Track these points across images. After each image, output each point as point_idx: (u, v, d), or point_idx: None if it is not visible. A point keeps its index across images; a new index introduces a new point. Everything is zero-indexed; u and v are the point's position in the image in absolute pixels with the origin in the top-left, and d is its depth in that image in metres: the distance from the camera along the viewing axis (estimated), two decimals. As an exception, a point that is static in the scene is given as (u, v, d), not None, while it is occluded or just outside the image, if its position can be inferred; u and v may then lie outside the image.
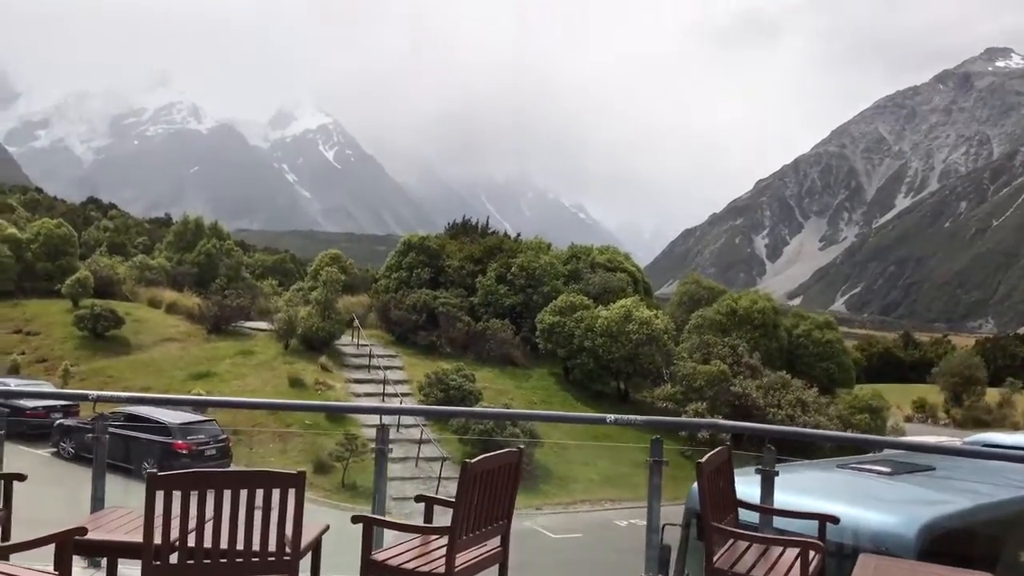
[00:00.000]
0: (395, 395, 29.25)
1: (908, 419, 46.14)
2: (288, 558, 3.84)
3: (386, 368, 31.62)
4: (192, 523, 3.63)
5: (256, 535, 3.76)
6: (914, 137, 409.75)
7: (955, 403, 48.49)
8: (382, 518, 4.51)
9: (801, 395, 30.23)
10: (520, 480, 4.76)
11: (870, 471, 8.16)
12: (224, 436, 23.38)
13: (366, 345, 33.55)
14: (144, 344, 34.18)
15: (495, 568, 4.72)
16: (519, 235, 45.06)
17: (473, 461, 4.31)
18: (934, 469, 8.49)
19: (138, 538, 3.74)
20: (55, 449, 23.32)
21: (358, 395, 29.65)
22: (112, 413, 23.01)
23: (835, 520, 5.10)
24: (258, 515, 3.77)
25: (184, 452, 21.65)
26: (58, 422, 23.80)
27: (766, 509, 5.61)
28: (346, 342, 34.06)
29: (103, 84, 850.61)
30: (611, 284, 37.67)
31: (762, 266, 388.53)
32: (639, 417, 6.64)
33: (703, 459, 4.87)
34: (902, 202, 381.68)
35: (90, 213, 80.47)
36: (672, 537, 6.75)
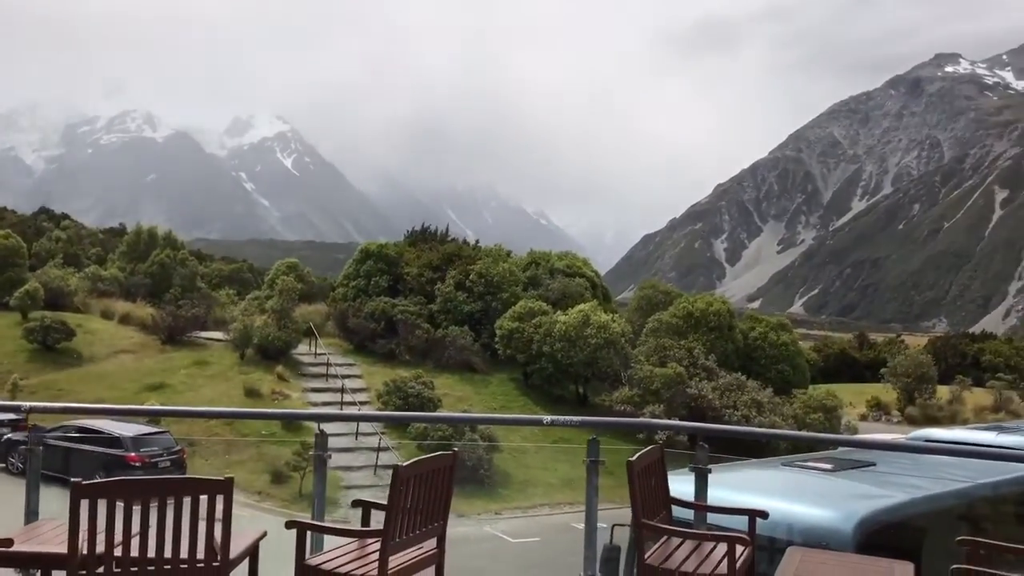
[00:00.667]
0: (353, 403, 29.11)
1: (863, 417, 46.97)
2: (217, 565, 3.88)
3: (344, 376, 31.45)
4: (118, 532, 3.65)
5: (184, 543, 3.79)
6: (868, 141, 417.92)
7: (908, 401, 49.49)
8: (315, 523, 4.56)
9: (756, 396, 30.68)
10: (453, 482, 4.86)
11: (812, 468, 8.40)
12: (178, 448, 23.10)
13: (323, 354, 33.35)
14: (97, 356, 33.60)
15: (432, 569, 4.80)
16: (478, 242, 45.15)
17: (404, 464, 4.39)
18: (874, 465, 8.75)
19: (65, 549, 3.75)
20: (3, 464, 22.85)
21: (316, 404, 29.44)
22: (62, 426, 22.71)
23: (764, 515, 5.25)
24: (186, 523, 3.80)
25: (137, 464, 21.34)
26: (6, 437, 23.32)
27: (698, 506, 5.75)
28: (303, 351, 33.82)
29: (55, 93, 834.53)
30: (570, 289, 37.91)
31: (722, 270, 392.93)
32: (574, 418, 6.76)
33: (633, 457, 5.00)
34: (857, 205, 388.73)
35: (42, 224, 78.67)
36: (622, 538, 6.88)
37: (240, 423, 26.68)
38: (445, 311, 36.53)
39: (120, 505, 3.66)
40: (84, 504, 3.57)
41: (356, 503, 5.03)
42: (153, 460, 21.91)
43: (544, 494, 25.86)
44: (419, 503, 4.53)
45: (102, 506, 3.61)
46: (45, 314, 34.71)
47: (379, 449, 25.48)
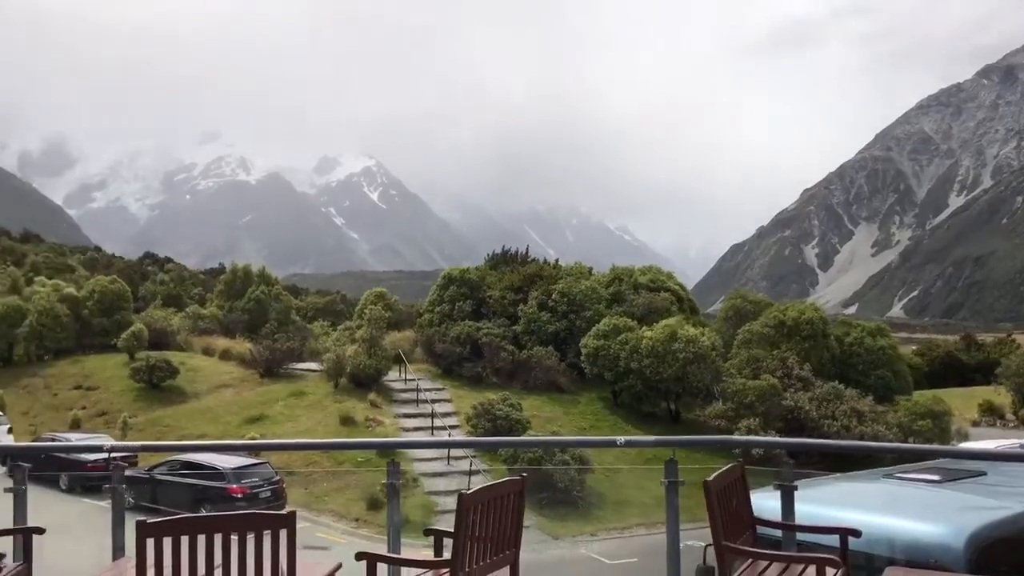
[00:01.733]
0: (443, 427, 29.27)
1: (975, 423, 44.57)
2: (284, 600, 3.85)
3: (433, 401, 31.69)
4: (184, 570, 3.67)
5: (251, 577, 3.77)
6: (962, 135, 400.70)
7: (1023, 403, 46.77)
8: (384, 554, 4.50)
9: (856, 405, 29.42)
10: (524, 508, 4.74)
11: (917, 479, 7.89)
12: (277, 478, 23.63)
13: (413, 379, 33.73)
14: (199, 392, 34.87)
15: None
16: (558, 261, 45.03)
17: (469, 492, 4.29)
18: (986, 475, 8.18)
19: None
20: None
21: (407, 429, 29.74)
22: (168, 461, 23.57)
23: (856, 533, 4.95)
24: (252, 558, 3.79)
25: (239, 496, 21.92)
26: (126, 472, 24.27)
27: (784, 525, 5.46)
28: (394, 378, 34.28)
29: (153, 142, 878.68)
30: (655, 304, 37.33)
31: (814, 276, 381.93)
32: (649, 438, 6.56)
33: (710, 477, 4.78)
34: (955, 201, 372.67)
35: (147, 268, 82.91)
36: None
37: (336, 452, 27.13)
38: (529, 332, 36.48)
39: (187, 541, 3.67)
40: (150, 543, 3.60)
41: (428, 531, 4.96)
42: (254, 491, 22.46)
43: (640, 514, 25.33)
44: (488, 531, 4.43)
45: (168, 544, 3.63)
46: (150, 354, 36.30)
47: (471, 472, 25.50)
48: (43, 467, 21.66)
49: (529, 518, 23.97)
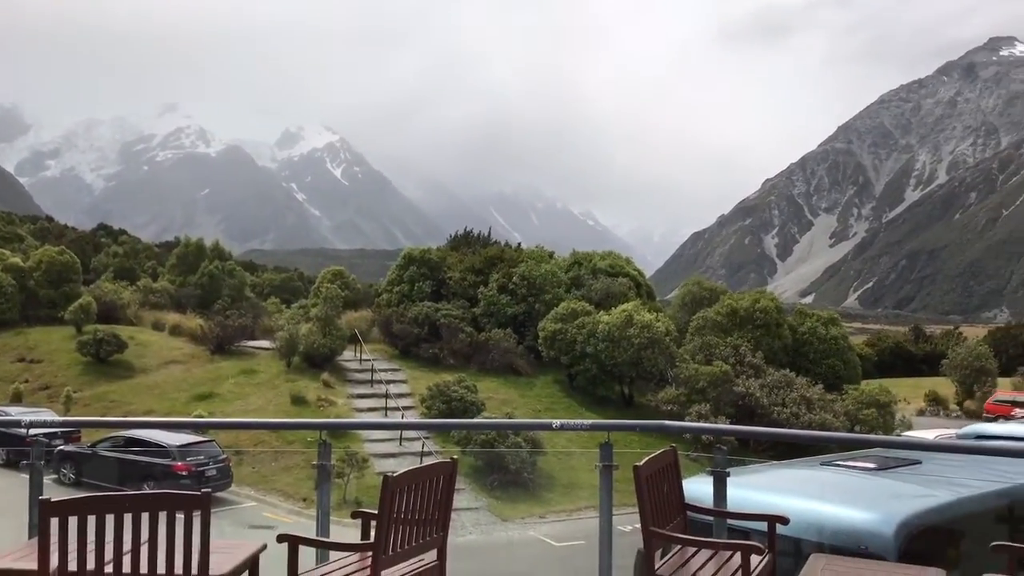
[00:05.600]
0: (397, 409, 29.16)
1: (920, 412, 45.70)
2: (195, 583, 3.75)
3: (388, 382, 31.55)
4: (91, 552, 3.55)
5: (161, 560, 3.67)
6: (920, 130, 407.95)
7: (966, 394, 47.99)
8: (306, 536, 4.40)
9: (805, 393, 29.92)
10: (453, 491, 4.67)
11: (853, 467, 8.00)
12: (224, 456, 23.36)
13: (368, 360, 33.50)
14: (148, 367, 34.25)
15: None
16: (520, 244, 44.98)
17: (395, 475, 4.22)
18: (920, 463, 8.32)
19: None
20: (56, 476, 23.35)
21: (360, 410, 29.57)
22: (112, 437, 23.16)
23: (784, 520, 4.96)
24: (169, 539, 3.69)
25: (184, 473, 21.63)
26: (59, 448, 23.82)
27: (714, 511, 5.48)
28: (349, 358, 34.02)
29: (112, 112, 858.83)
30: (613, 289, 37.52)
31: (773, 265, 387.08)
32: (584, 421, 6.55)
33: (640, 463, 4.76)
34: (911, 195, 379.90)
35: (100, 240, 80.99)
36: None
37: (286, 432, 26.89)
38: (488, 314, 36.44)
39: (94, 522, 3.55)
40: (55, 523, 3.47)
41: (356, 514, 4.87)
42: (200, 469, 22.18)
43: (590, 496, 25.43)
44: (415, 514, 4.36)
45: (74, 523, 3.51)
46: (98, 327, 35.51)
47: (423, 454, 25.47)
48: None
49: (479, 500, 24.00)
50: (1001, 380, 49.93)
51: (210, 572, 3.80)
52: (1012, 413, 38.73)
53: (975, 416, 40.79)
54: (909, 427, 32.38)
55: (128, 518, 3.60)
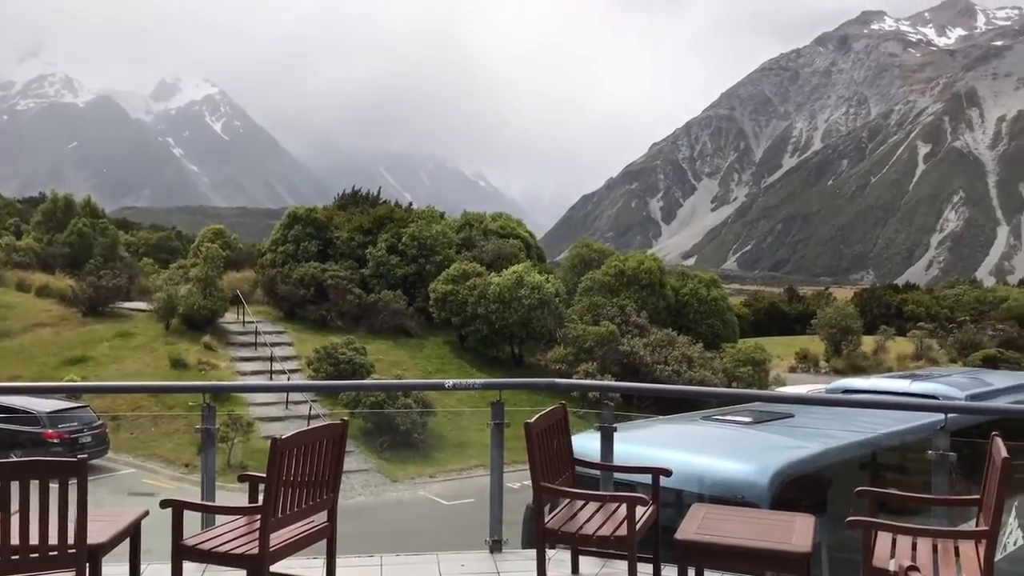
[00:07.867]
0: (282, 372, 28.61)
1: (792, 369, 48.24)
2: (73, 552, 3.61)
3: (273, 345, 30.85)
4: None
5: (34, 529, 3.50)
6: (798, 99, 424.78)
7: (834, 352, 51.01)
8: (190, 501, 4.29)
9: (687, 351, 31.15)
10: (343, 452, 4.65)
11: (731, 421, 8.40)
12: (100, 423, 22.40)
13: (252, 322, 32.62)
14: (12, 330, 32.25)
15: (323, 544, 4.61)
16: (411, 204, 44.52)
17: (283, 437, 4.16)
18: (793, 416, 8.81)
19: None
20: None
21: (244, 373, 28.84)
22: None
23: (667, 473, 5.16)
24: (43, 507, 3.52)
25: (55, 441, 20.64)
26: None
27: (601, 465, 5.66)
28: (231, 320, 33.03)
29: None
30: (504, 251, 37.72)
31: (658, 228, 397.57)
32: (477, 381, 6.62)
33: (531, 420, 4.86)
34: (788, 162, 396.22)
35: (-47, 194, 75.20)
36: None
37: (165, 395, 25.97)
38: (377, 275, 36.01)
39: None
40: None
41: (243, 478, 4.78)
42: (73, 436, 21.22)
43: (480, 455, 25.83)
44: (304, 476, 4.31)
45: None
46: (-45, 288, 33.15)
47: (310, 417, 25.11)
48: None
49: (368, 461, 23.95)
50: (865, 338, 53.23)
51: (88, 541, 3.67)
52: None
53: (841, 372, 43.39)
54: (782, 383, 34.23)
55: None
